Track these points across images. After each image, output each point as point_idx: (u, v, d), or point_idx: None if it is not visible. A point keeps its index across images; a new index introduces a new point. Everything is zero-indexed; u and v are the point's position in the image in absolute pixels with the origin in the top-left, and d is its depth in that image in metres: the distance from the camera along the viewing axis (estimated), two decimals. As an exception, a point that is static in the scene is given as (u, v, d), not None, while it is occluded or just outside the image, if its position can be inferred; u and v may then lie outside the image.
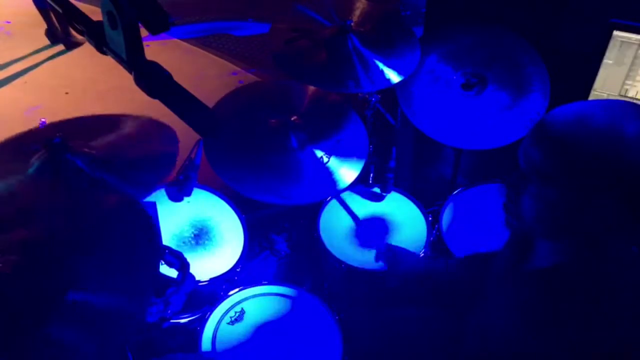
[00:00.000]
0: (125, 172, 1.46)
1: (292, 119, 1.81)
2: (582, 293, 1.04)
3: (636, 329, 1.01)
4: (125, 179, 1.43)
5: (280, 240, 2.34)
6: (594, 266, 1.06)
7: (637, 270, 1.06)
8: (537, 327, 1.07)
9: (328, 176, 1.80)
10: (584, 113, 1.03)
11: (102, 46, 1.05)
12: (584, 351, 1.02)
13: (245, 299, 1.73)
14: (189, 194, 1.60)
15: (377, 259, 1.81)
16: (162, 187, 1.64)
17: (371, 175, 2.18)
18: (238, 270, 1.82)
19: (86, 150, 1.46)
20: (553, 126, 1.04)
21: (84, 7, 1.09)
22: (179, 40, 4.12)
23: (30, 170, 1.40)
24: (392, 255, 1.73)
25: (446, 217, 2.02)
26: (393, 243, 1.94)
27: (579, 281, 1.06)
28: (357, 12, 1.98)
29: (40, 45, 3.97)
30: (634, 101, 1.94)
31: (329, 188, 1.79)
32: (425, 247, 1.91)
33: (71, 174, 1.40)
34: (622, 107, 1.02)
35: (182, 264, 1.39)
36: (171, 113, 1.08)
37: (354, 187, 2.10)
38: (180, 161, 1.61)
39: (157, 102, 1.06)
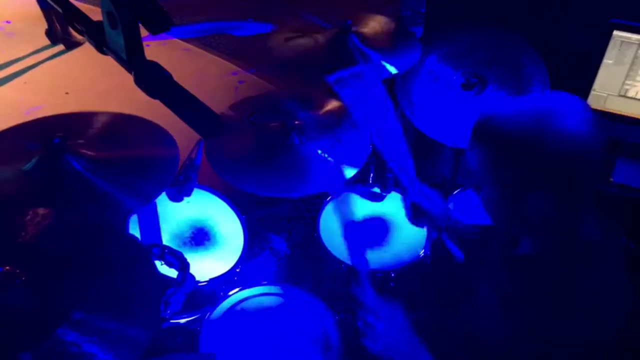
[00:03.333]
0: (124, 179, 1.44)
1: (296, 122, 1.81)
2: (546, 283, 1.07)
3: (589, 327, 1.03)
4: (124, 187, 1.41)
5: (280, 240, 2.34)
6: (555, 260, 1.09)
7: (597, 269, 1.07)
8: (509, 312, 1.12)
9: (328, 169, 1.80)
10: (519, 108, 1.05)
11: (102, 46, 1.05)
12: (547, 338, 1.04)
13: (245, 299, 1.73)
14: (189, 194, 1.60)
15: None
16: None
17: (371, 175, 2.18)
18: (238, 270, 1.82)
19: (85, 151, 1.45)
20: (483, 126, 1.07)
21: (84, 7, 1.09)
22: (179, 40, 4.11)
23: (27, 166, 1.40)
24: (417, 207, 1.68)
25: (446, 217, 2.02)
26: (393, 243, 1.94)
27: (544, 271, 1.09)
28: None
29: (40, 45, 3.96)
30: (634, 101, 1.94)
31: (331, 181, 1.79)
32: (425, 247, 1.91)
33: (69, 179, 1.38)
34: (563, 100, 1.04)
35: (182, 265, 1.39)
36: (171, 113, 1.08)
37: (354, 187, 2.10)
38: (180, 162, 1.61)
39: (157, 102, 1.06)
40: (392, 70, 1.84)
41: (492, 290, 1.24)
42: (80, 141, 1.48)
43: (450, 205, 2.03)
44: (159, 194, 1.48)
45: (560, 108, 1.01)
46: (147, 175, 1.49)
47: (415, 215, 1.68)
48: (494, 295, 1.21)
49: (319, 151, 1.81)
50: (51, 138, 1.40)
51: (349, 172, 1.83)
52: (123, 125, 1.62)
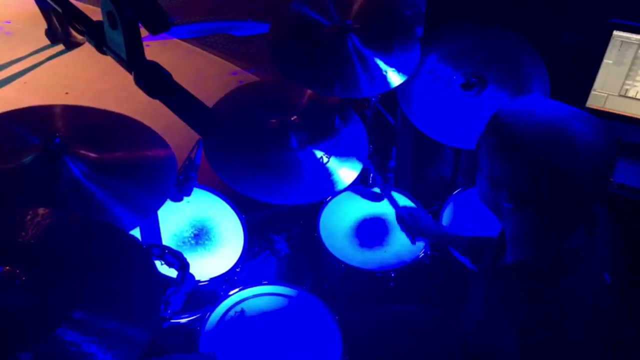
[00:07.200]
0: (122, 188, 1.42)
1: (292, 118, 1.81)
2: (528, 291, 1.06)
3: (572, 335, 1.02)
4: (123, 198, 1.40)
5: (280, 240, 2.34)
6: (539, 268, 1.08)
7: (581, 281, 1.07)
8: (492, 319, 1.12)
9: (328, 176, 1.80)
10: (534, 111, 1.02)
11: (102, 46, 1.05)
12: (528, 346, 1.03)
13: (245, 299, 1.73)
14: (188, 194, 1.60)
15: (397, 220, 1.86)
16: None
17: (371, 175, 2.18)
18: (238, 270, 1.82)
19: (84, 153, 1.45)
20: (502, 119, 1.05)
21: (84, 7, 1.10)
22: (179, 40, 4.12)
23: (25, 160, 1.38)
24: (410, 216, 1.80)
25: (446, 217, 2.02)
26: (393, 243, 1.94)
27: (527, 279, 1.09)
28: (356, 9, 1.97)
29: (40, 45, 3.96)
30: (634, 101, 1.94)
31: (329, 188, 1.79)
32: (425, 247, 1.91)
33: (67, 184, 1.38)
34: (571, 113, 1.01)
35: (181, 264, 1.39)
36: (171, 113, 1.08)
37: (354, 187, 2.10)
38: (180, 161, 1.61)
39: (157, 102, 1.06)
40: (396, 79, 1.84)
41: (479, 297, 1.23)
42: (76, 140, 1.47)
43: (446, 213, 2.03)
44: (159, 207, 1.47)
45: (583, 129, 0.97)
46: (147, 187, 1.47)
47: (406, 229, 1.79)
48: (480, 302, 1.21)
49: (319, 154, 1.81)
50: (51, 138, 1.39)
51: (349, 174, 1.83)
52: (118, 125, 1.62)
